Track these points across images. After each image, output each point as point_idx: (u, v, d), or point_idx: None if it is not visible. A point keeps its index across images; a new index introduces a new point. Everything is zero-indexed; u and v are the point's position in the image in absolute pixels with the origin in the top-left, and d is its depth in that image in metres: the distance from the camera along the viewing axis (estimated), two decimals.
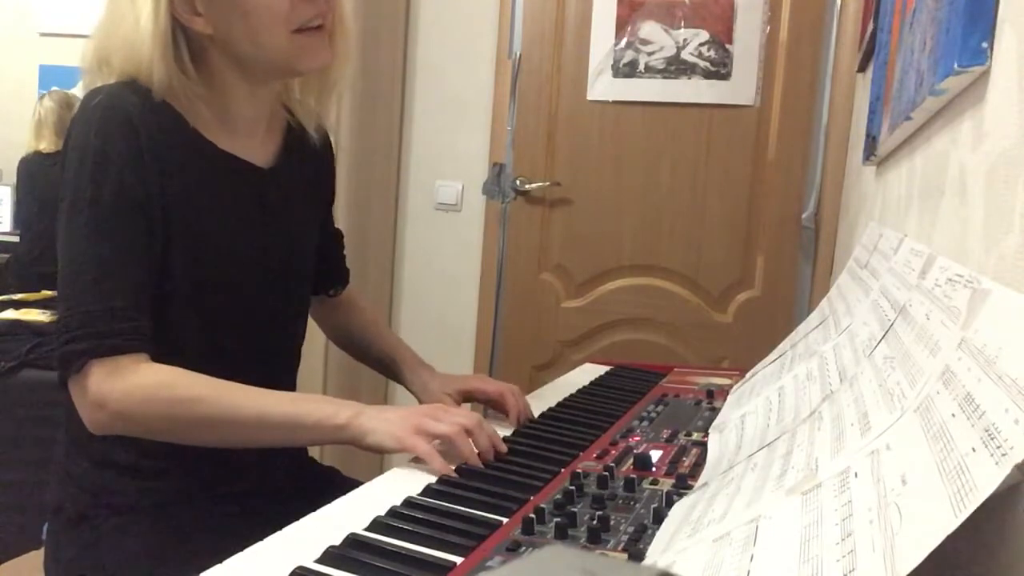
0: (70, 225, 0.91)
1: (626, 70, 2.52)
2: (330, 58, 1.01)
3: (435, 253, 2.78)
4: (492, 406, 1.16)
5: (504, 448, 0.92)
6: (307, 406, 0.93)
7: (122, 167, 0.91)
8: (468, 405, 1.19)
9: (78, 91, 3.07)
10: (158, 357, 0.92)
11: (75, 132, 0.93)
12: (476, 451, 0.90)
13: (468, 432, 0.90)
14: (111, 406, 0.88)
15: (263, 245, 1.05)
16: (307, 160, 1.14)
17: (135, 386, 0.89)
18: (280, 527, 0.72)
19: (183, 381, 0.91)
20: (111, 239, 0.90)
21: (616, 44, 2.51)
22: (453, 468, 0.87)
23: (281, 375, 1.11)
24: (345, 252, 1.30)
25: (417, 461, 0.90)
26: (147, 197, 0.93)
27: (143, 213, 0.92)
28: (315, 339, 1.30)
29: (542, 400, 1.20)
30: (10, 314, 2.19)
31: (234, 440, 0.95)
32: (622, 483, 0.81)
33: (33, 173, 3.11)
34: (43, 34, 3.63)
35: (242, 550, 0.67)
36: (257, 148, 1.06)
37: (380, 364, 1.28)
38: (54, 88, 3.23)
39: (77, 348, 0.88)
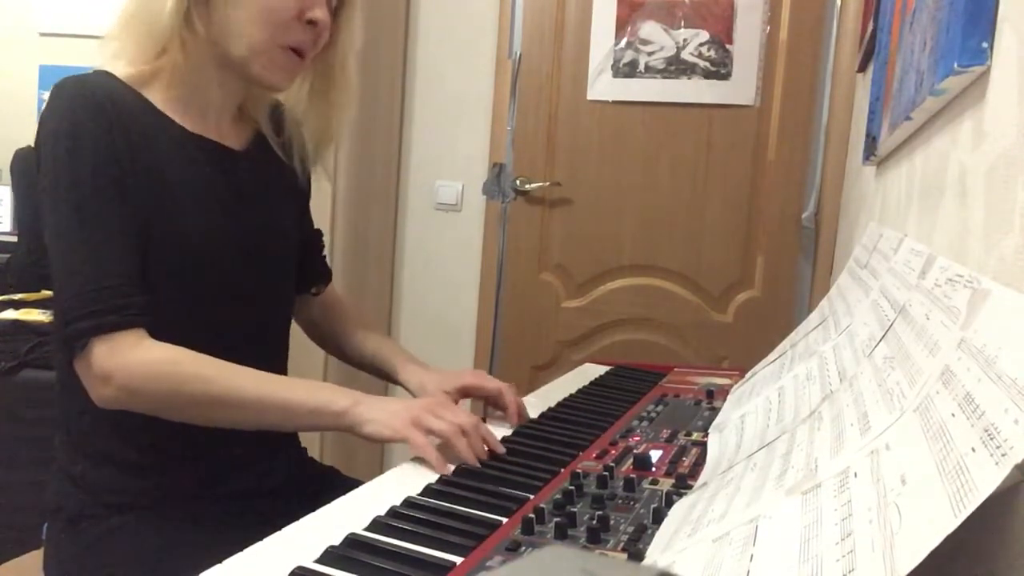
0: (55, 212, 0.92)
1: (626, 70, 2.52)
2: (287, 84, 1.03)
3: (435, 253, 2.78)
4: (491, 404, 1.15)
5: (502, 450, 0.93)
6: (307, 392, 0.94)
7: (95, 145, 0.92)
8: (466, 403, 1.18)
9: None
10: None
11: (46, 119, 0.93)
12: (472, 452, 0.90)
13: (464, 433, 0.90)
14: (116, 380, 0.90)
15: (237, 225, 1.04)
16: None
17: (139, 361, 0.90)
18: (280, 527, 0.72)
19: (187, 359, 0.92)
20: (97, 219, 0.91)
21: (616, 44, 2.51)
22: (451, 467, 0.87)
23: (259, 360, 1.00)
24: (325, 253, 1.28)
25: (416, 457, 0.91)
26: (122, 172, 0.93)
27: (121, 189, 0.93)
28: None
29: (542, 400, 1.20)
30: (10, 314, 2.19)
31: (234, 421, 0.95)
32: (622, 483, 0.81)
33: (29, 172, 3.10)
34: (43, 34, 3.63)
35: (242, 550, 0.67)
36: (227, 132, 1.07)
37: (370, 366, 1.25)
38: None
39: (78, 328, 0.89)
